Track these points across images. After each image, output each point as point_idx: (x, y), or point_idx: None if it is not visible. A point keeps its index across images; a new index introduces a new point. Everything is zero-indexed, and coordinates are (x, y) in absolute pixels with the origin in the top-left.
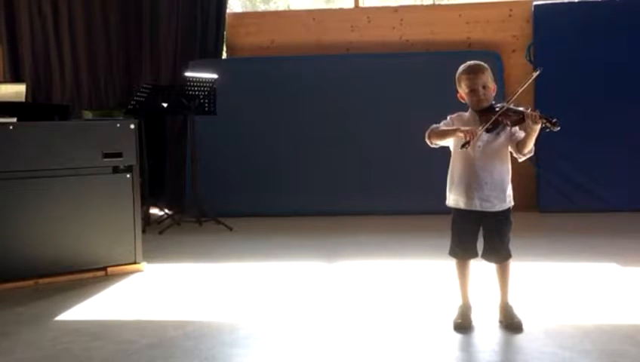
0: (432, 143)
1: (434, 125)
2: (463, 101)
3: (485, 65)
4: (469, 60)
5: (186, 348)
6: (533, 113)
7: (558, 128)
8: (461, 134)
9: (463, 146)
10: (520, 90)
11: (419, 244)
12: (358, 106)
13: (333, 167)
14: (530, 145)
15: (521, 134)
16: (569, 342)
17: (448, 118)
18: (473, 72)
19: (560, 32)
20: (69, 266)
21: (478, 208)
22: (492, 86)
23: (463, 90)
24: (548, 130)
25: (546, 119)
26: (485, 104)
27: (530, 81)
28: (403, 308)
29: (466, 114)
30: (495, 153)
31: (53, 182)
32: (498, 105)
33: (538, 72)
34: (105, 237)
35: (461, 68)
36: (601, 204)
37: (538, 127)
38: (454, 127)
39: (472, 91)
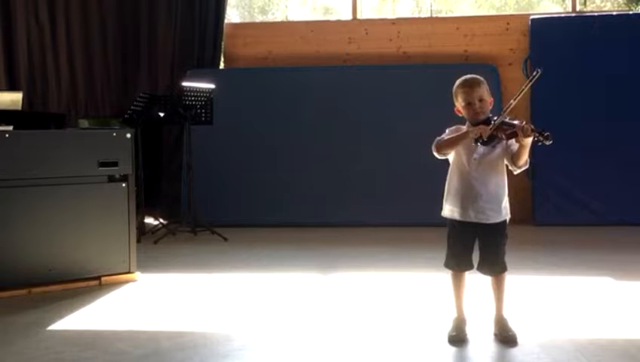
0: (441, 154)
1: (438, 138)
2: (460, 115)
3: (481, 78)
4: (466, 73)
5: (179, 359)
6: (525, 126)
7: (550, 142)
8: (472, 135)
9: (477, 141)
10: (524, 90)
11: (415, 256)
12: (355, 118)
13: (330, 178)
14: (524, 158)
15: (516, 147)
16: (563, 356)
17: (447, 130)
18: (469, 86)
19: (557, 46)
20: (62, 275)
21: (473, 220)
22: (488, 99)
23: (459, 104)
24: (540, 143)
25: (538, 133)
26: (482, 117)
27: (532, 82)
28: (398, 321)
29: (464, 127)
30: (491, 166)
31: (48, 191)
32: (495, 118)
33: (539, 73)
34: (99, 247)
35: (457, 82)
36: (596, 218)
37: (530, 140)
38: (463, 131)
39: (469, 104)
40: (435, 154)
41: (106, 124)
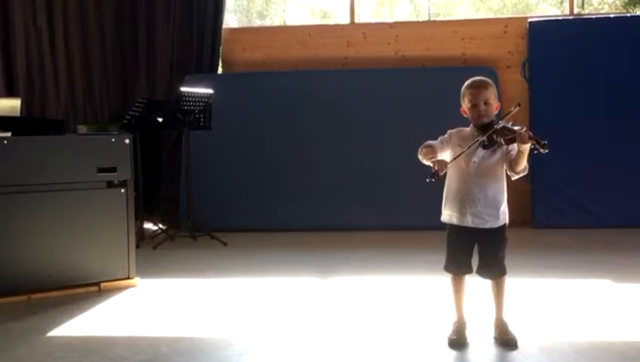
0: (421, 159)
1: (428, 141)
2: (465, 115)
3: (490, 81)
4: (465, 76)
5: None
6: (523, 133)
7: (547, 151)
8: (430, 163)
9: (431, 178)
10: (501, 123)
11: (415, 260)
12: (354, 122)
13: (329, 182)
14: (522, 164)
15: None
16: (563, 358)
17: (447, 132)
18: (476, 88)
19: (555, 49)
20: (62, 281)
21: (470, 224)
22: (495, 103)
23: (465, 105)
24: (537, 151)
25: (535, 140)
26: (485, 120)
27: (510, 115)
28: (398, 324)
29: (467, 129)
30: (490, 170)
31: (47, 197)
32: (497, 122)
33: (517, 108)
34: (98, 252)
35: (466, 83)
36: (595, 221)
37: (528, 146)
38: (432, 155)
39: (474, 106)
40: (419, 157)
41: (105, 129)
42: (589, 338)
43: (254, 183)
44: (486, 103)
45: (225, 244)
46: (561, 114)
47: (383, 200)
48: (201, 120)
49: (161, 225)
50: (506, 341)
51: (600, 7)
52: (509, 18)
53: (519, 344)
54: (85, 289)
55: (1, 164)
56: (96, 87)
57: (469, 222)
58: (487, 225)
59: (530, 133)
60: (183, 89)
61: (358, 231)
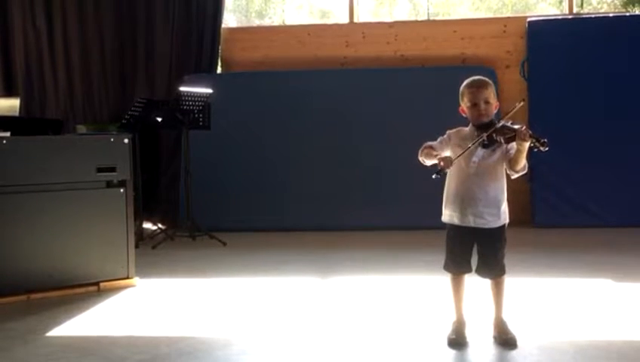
0: (422, 161)
1: (428, 142)
2: (464, 115)
3: (489, 81)
4: (464, 76)
5: None
6: (523, 131)
7: (546, 149)
8: (436, 161)
9: (437, 174)
10: (501, 122)
11: (414, 260)
12: (353, 122)
13: (329, 181)
14: (521, 163)
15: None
16: (563, 358)
17: (447, 132)
18: (476, 87)
19: (554, 48)
20: (61, 281)
21: (472, 224)
22: (494, 103)
23: (465, 104)
24: (536, 149)
25: (535, 138)
26: (485, 119)
27: (513, 112)
28: (397, 324)
29: (466, 129)
30: (490, 169)
31: (46, 197)
32: (496, 121)
33: (521, 104)
34: (98, 252)
35: (465, 82)
36: (595, 220)
37: (527, 144)
38: (436, 153)
39: (474, 105)
40: (419, 159)
41: (104, 129)
42: (588, 337)
43: (253, 183)
44: (486, 102)
45: (224, 244)
46: (560, 113)
47: (382, 200)
48: (200, 120)
49: (160, 225)
50: (505, 340)
51: (599, 6)
52: (509, 18)
53: (519, 343)
54: (85, 289)
55: (0, 164)
56: (96, 87)
57: (471, 222)
58: (489, 225)
59: (530, 132)
60: (182, 89)
61: (358, 231)
